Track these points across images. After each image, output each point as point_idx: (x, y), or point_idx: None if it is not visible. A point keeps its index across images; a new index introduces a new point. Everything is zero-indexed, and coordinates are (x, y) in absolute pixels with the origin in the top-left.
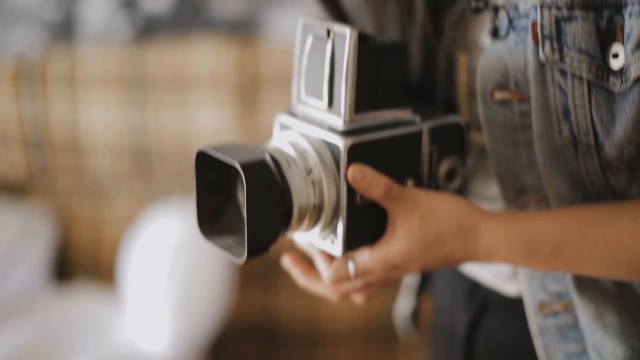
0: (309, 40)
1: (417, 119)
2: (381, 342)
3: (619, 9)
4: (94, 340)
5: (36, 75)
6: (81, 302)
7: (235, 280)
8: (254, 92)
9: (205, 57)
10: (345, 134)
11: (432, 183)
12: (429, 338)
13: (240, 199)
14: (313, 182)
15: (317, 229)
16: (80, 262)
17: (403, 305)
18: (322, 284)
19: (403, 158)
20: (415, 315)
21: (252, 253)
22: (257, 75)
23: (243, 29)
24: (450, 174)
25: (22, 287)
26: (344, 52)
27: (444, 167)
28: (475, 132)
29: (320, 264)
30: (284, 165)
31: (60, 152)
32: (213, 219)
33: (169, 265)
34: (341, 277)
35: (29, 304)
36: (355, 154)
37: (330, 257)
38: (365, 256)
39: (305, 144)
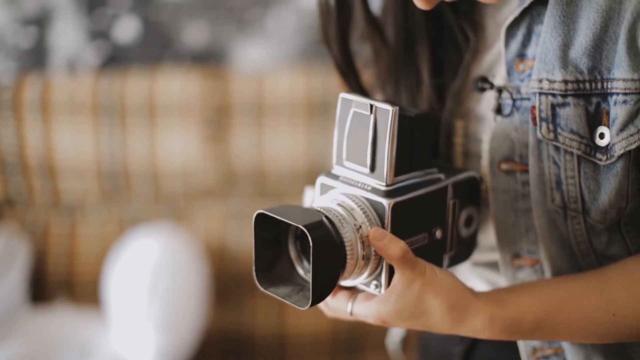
0: (351, 113)
1: (442, 176)
2: (347, 353)
3: (605, 97)
4: (81, 356)
5: (9, 101)
6: (63, 320)
7: (210, 297)
8: (221, 119)
9: (173, 85)
10: (388, 194)
11: (454, 230)
12: (415, 355)
13: (292, 254)
14: (362, 237)
15: (363, 276)
16: (57, 282)
17: (395, 332)
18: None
19: (433, 210)
20: (405, 341)
21: (315, 301)
22: (224, 103)
23: (209, 59)
24: (468, 221)
25: (3, 307)
26: (386, 125)
27: (464, 215)
28: None
29: None
30: (337, 223)
31: (35, 175)
32: (267, 270)
33: (150, 283)
34: (339, 311)
35: (11, 324)
36: (397, 211)
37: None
38: (362, 307)
39: (351, 204)
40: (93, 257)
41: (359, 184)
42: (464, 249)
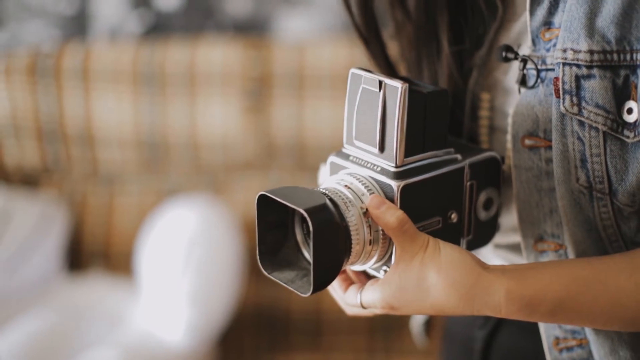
0: (360, 89)
1: (459, 157)
2: (383, 331)
3: (634, 69)
4: (111, 327)
5: (50, 69)
6: (96, 290)
7: (245, 272)
8: (263, 90)
9: (214, 55)
10: (398, 175)
11: (471, 213)
12: (440, 342)
13: (298, 238)
14: (368, 220)
15: (372, 261)
16: (93, 252)
17: (419, 315)
18: (338, 294)
19: (447, 193)
20: (428, 324)
21: (317, 288)
22: (265, 74)
23: (252, 29)
24: (488, 204)
25: (37, 276)
26: (395, 103)
27: (482, 197)
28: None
29: (338, 288)
30: (341, 206)
31: (74, 144)
32: (272, 254)
33: (184, 255)
34: (353, 305)
35: (44, 293)
36: (407, 193)
37: (348, 284)
38: (369, 293)
39: (360, 186)
40: (130, 228)
41: (369, 164)
42: (483, 233)
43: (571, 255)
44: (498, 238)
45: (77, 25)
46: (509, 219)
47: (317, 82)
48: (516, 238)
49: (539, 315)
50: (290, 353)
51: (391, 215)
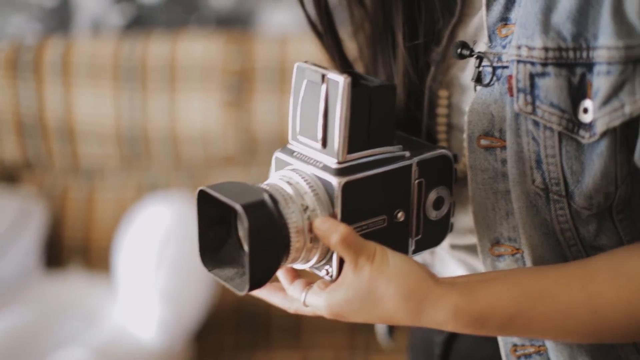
0: (304, 83)
1: (407, 153)
2: (364, 329)
3: (590, 67)
4: (86, 325)
5: (31, 62)
6: (74, 287)
7: None
8: (244, 84)
9: (195, 49)
10: (339, 172)
11: (420, 212)
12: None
13: (241, 234)
14: (309, 218)
15: (313, 260)
16: (72, 248)
17: None
18: (277, 296)
19: (393, 191)
20: (392, 328)
21: (253, 287)
22: (246, 68)
23: (235, 23)
24: (438, 203)
25: (15, 272)
26: (337, 97)
27: (432, 196)
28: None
29: (283, 279)
30: (281, 203)
31: (54, 138)
32: (214, 251)
33: (158, 252)
34: (296, 302)
35: (21, 290)
36: (349, 191)
37: (293, 276)
38: (314, 297)
39: (301, 182)
40: (110, 223)
41: (312, 161)
42: (434, 233)
43: (528, 259)
44: (455, 239)
45: (59, 18)
46: (466, 219)
47: None
48: (473, 239)
49: (487, 330)
50: (270, 350)
51: (334, 232)
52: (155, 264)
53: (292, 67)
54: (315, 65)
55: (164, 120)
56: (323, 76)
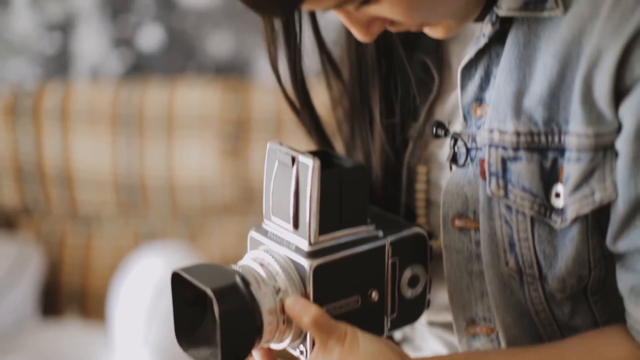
0: (276, 164)
1: (380, 233)
2: None
3: (562, 151)
4: None
5: (30, 108)
6: (70, 336)
7: None
8: (240, 133)
9: (192, 97)
10: (311, 255)
11: (395, 291)
12: None
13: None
14: (282, 300)
15: (287, 340)
16: (69, 295)
17: None
18: None
19: (367, 272)
20: None
21: None
22: (243, 117)
23: (233, 70)
24: (413, 281)
25: (12, 319)
26: (307, 180)
27: (407, 275)
28: (433, 240)
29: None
30: (254, 285)
31: (52, 184)
32: (190, 331)
33: (151, 305)
34: None
35: (18, 336)
36: (321, 273)
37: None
38: None
39: (274, 264)
40: (107, 271)
41: (284, 242)
42: (409, 311)
43: (502, 339)
44: (432, 315)
45: (59, 64)
46: (443, 295)
47: (296, 127)
48: (450, 317)
49: None
50: None
51: (305, 313)
52: (148, 317)
53: (289, 117)
54: (286, 146)
55: (161, 168)
56: (293, 159)
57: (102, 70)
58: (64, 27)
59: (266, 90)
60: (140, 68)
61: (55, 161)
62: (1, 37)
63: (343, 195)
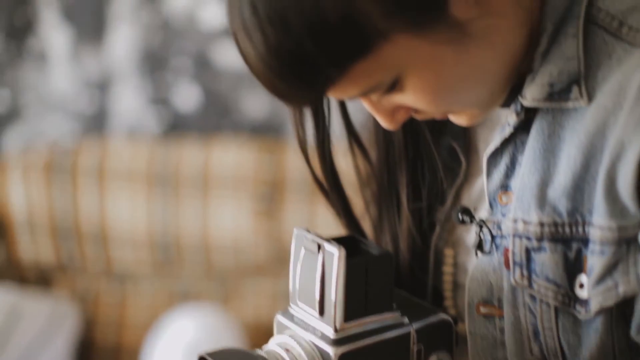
0: (302, 250)
1: (405, 320)
2: None
3: (586, 242)
4: None
5: (67, 166)
6: None
7: None
8: (275, 194)
9: (228, 157)
10: (336, 342)
11: None
12: None
13: None
14: None
15: None
16: (103, 354)
17: None
18: None
19: (392, 357)
20: None
21: None
22: (279, 177)
23: (268, 131)
24: None
25: None
26: (333, 268)
27: None
28: (460, 323)
29: None
30: None
31: (88, 242)
32: None
33: None
34: None
35: None
36: None
37: None
38: None
39: (299, 350)
40: (141, 330)
41: (310, 328)
42: None
43: None
44: None
45: (96, 121)
46: None
47: None
48: None
49: None
50: None
51: None
52: None
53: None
54: (312, 233)
55: (196, 227)
56: (319, 246)
57: (139, 128)
58: (102, 85)
59: (300, 152)
60: (176, 127)
61: (92, 218)
62: (39, 93)
63: (369, 282)
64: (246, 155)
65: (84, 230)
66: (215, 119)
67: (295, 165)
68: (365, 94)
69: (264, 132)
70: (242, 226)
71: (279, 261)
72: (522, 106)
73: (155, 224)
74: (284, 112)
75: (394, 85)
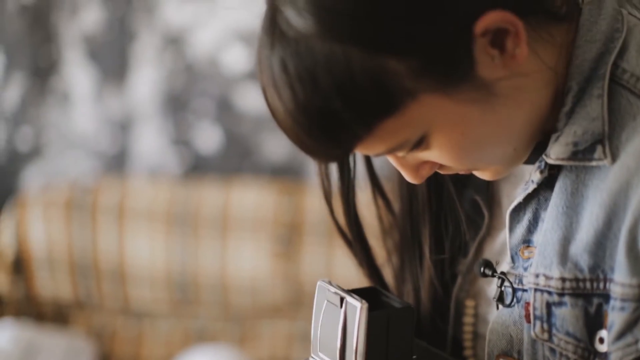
0: (325, 303)
1: None
2: None
3: (607, 298)
4: None
5: (88, 204)
6: None
7: None
8: (294, 236)
9: (248, 198)
10: None
11: None
12: None
13: None
14: None
15: None
16: None
17: None
18: None
19: None
20: None
21: None
22: (298, 219)
23: (288, 173)
24: None
25: None
26: (355, 321)
27: None
28: None
29: None
30: None
31: (106, 279)
32: None
33: None
34: None
35: None
36: None
37: None
38: None
39: None
40: None
41: None
42: None
43: None
44: None
45: (117, 160)
46: None
47: None
48: None
49: None
50: None
51: None
52: None
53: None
54: (335, 286)
55: (214, 268)
56: (342, 299)
57: (159, 168)
58: (124, 124)
59: (320, 195)
60: (197, 168)
61: (110, 256)
62: (61, 132)
63: (390, 335)
64: (265, 197)
65: (103, 267)
66: (235, 160)
67: (313, 208)
68: (391, 151)
69: (284, 174)
70: (259, 267)
71: (296, 303)
72: (546, 164)
73: (174, 263)
74: (304, 155)
75: (420, 143)
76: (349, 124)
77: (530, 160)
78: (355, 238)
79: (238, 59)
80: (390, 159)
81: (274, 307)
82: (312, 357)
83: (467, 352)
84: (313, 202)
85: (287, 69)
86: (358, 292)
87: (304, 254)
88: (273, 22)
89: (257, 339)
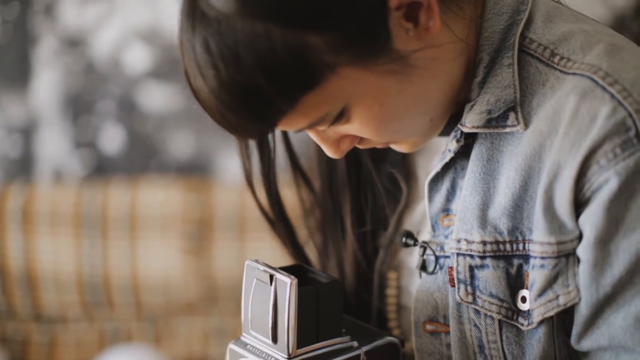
0: (254, 281)
1: (355, 344)
2: None
3: (527, 258)
4: None
5: None
6: None
7: None
8: (204, 232)
9: (155, 197)
10: None
11: None
12: None
13: None
14: None
15: None
16: None
17: None
18: None
19: None
20: None
21: None
22: (207, 215)
23: (194, 171)
24: None
25: None
26: (285, 297)
27: None
28: (406, 342)
29: None
30: None
31: (16, 286)
32: None
33: None
34: None
35: None
36: None
37: None
38: None
39: None
40: None
41: (264, 355)
42: None
43: None
44: None
45: (21, 166)
46: None
47: (259, 224)
48: None
49: None
50: None
51: None
52: None
53: (252, 215)
54: (264, 265)
55: (124, 268)
56: (271, 277)
57: (64, 172)
58: (26, 130)
59: (228, 190)
60: (102, 169)
61: (18, 262)
62: None
63: (320, 309)
64: (173, 195)
65: (11, 274)
66: (141, 160)
67: (222, 204)
68: (313, 125)
69: (191, 171)
70: (171, 265)
71: (210, 299)
72: (461, 133)
73: (83, 265)
74: (210, 151)
75: (341, 116)
76: (272, 99)
77: (445, 132)
78: (277, 217)
79: (140, 58)
80: (312, 134)
81: (187, 304)
82: (244, 336)
83: (392, 324)
84: (221, 198)
85: (210, 48)
86: (285, 270)
87: (215, 250)
88: (193, 5)
89: (172, 337)
